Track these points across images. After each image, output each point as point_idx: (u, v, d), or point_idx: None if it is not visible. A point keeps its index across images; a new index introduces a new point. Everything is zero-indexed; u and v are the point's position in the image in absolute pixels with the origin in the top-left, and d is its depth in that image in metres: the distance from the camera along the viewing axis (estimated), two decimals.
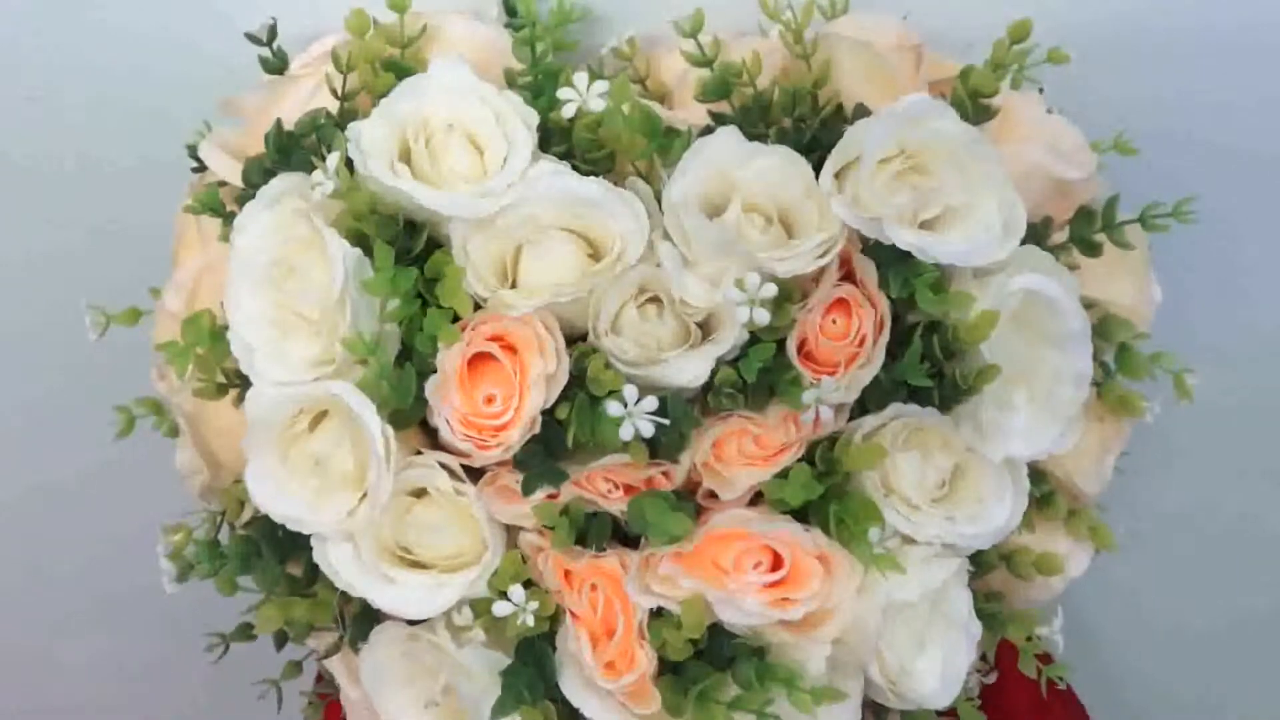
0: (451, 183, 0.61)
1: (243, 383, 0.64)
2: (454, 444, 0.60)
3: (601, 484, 0.61)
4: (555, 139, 0.63)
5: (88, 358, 0.70)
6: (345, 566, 0.62)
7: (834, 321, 0.60)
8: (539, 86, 0.64)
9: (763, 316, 0.58)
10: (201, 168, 0.70)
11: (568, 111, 0.61)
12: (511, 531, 0.64)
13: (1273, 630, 1.06)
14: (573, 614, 0.62)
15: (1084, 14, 0.73)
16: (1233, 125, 0.80)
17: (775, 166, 0.61)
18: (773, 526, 0.61)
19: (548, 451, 0.60)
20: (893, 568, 0.61)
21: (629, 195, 0.60)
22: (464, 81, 0.62)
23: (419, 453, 0.63)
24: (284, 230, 0.61)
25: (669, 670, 0.61)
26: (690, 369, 0.59)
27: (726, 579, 0.60)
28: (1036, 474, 0.67)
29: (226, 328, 0.62)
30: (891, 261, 0.60)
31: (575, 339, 0.61)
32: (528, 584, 0.62)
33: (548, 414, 0.59)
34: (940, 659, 0.64)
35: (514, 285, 0.62)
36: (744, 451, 0.61)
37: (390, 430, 0.59)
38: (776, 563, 0.61)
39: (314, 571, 0.63)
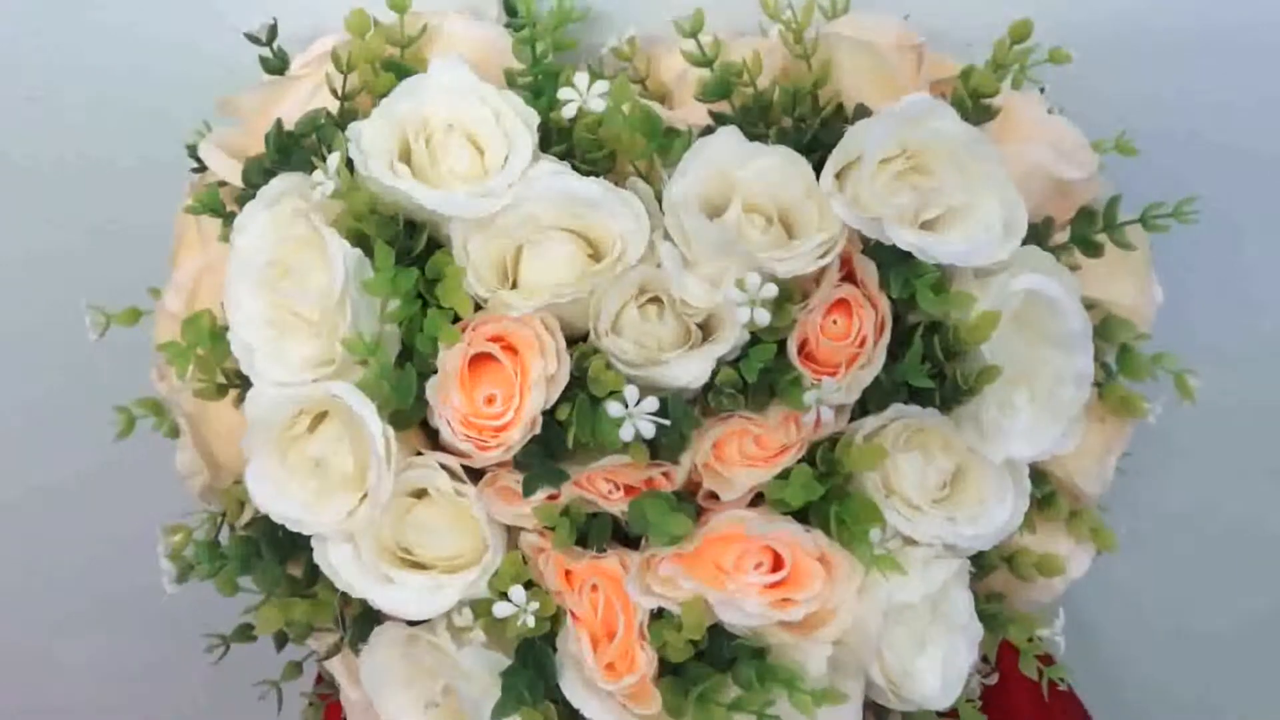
0: (451, 183, 0.61)
1: (243, 383, 0.64)
2: (454, 444, 0.60)
3: (602, 484, 0.61)
4: (555, 139, 0.63)
5: (88, 358, 0.70)
6: (345, 567, 0.62)
7: (835, 322, 0.60)
8: (539, 86, 0.64)
9: (763, 317, 0.57)
10: (201, 168, 0.70)
11: (568, 111, 0.61)
12: (512, 532, 0.64)
13: (1274, 630, 1.06)
14: (573, 615, 0.62)
15: (1084, 13, 0.73)
16: (1233, 125, 0.80)
17: (776, 166, 0.61)
18: (773, 527, 0.61)
19: (548, 452, 0.60)
20: (894, 569, 0.61)
21: (629, 195, 0.60)
22: (464, 81, 0.62)
23: (419, 453, 0.63)
24: (284, 230, 0.61)
25: (669, 671, 0.61)
26: (691, 369, 0.59)
27: (727, 580, 0.60)
28: (1038, 475, 0.67)
29: (226, 328, 0.62)
30: (892, 262, 0.60)
31: (576, 339, 0.61)
32: (528, 585, 0.62)
33: (548, 415, 0.59)
34: (941, 660, 0.64)
35: (514, 286, 0.62)
36: (745, 452, 0.61)
37: (390, 431, 0.59)
38: (777, 564, 0.61)
39: (314, 572, 0.63)
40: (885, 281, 0.60)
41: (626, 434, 0.57)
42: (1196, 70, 0.78)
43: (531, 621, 0.61)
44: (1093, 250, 0.66)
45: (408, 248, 0.61)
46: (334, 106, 0.66)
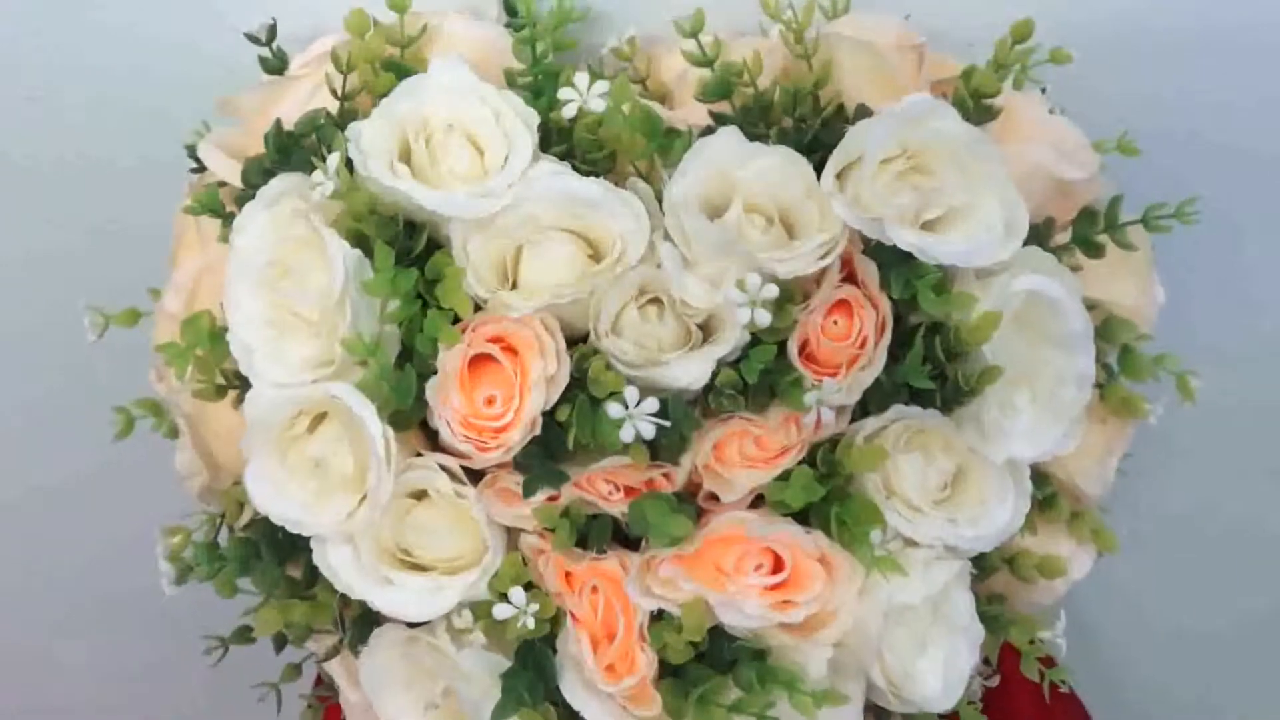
0: (451, 183, 0.60)
1: (242, 384, 0.64)
2: (454, 446, 0.60)
3: (602, 486, 0.61)
4: (555, 139, 0.63)
5: (88, 358, 0.70)
6: (345, 568, 0.62)
7: (835, 323, 0.60)
8: (539, 86, 0.64)
9: (764, 318, 0.57)
10: (200, 168, 0.70)
11: (568, 111, 0.60)
12: (512, 534, 0.64)
13: (1274, 631, 1.05)
14: (573, 616, 0.62)
15: (1084, 13, 0.73)
16: (1233, 125, 0.80)
17: (776, 167, 0.61)
18: (774, 529, 0.61)
19: (548, 453, 0.60)
20: (894, 570, 0.61)
21: (629, 195, 0.60)
22: (464, 81, 0.62)
23: (419, 454, 0.63)
24: (283, 231, 0.61)
25: (670, 673, 0.61)
26: (691, 370, 0.59)
27: (727, 581, 0.60)
28: (1039, 476, 0.67)
29: (226, 329, 0.62)
30: (893, 262, 0.60)
31: (576, 340, 0.61)
32: (528, 586, 0.62)
33: (548, 416, 0.59)
34: (942, 662, 0.64)
35: (514, 286, 0.62)
36: (745, 453, 0.61)
37: (390, 432, 0.59)
38: (778, 565, 0.61)
39: (313, 574, 0.63)
40: (886, 282, 0.60)
41: (627, 435, 0.57)
42: (1196, 70, 0.78)
43: (531, 623, 0.61)
44: (1094, 251, 0.66)
45: (407, 248, 0.61)
46: (334, 106, 0.66)
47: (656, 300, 0.61)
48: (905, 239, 0.58)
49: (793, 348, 0.60)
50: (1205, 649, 1.07)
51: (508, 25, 0.70)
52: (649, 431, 0.57)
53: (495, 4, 0.71)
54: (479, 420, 0.59)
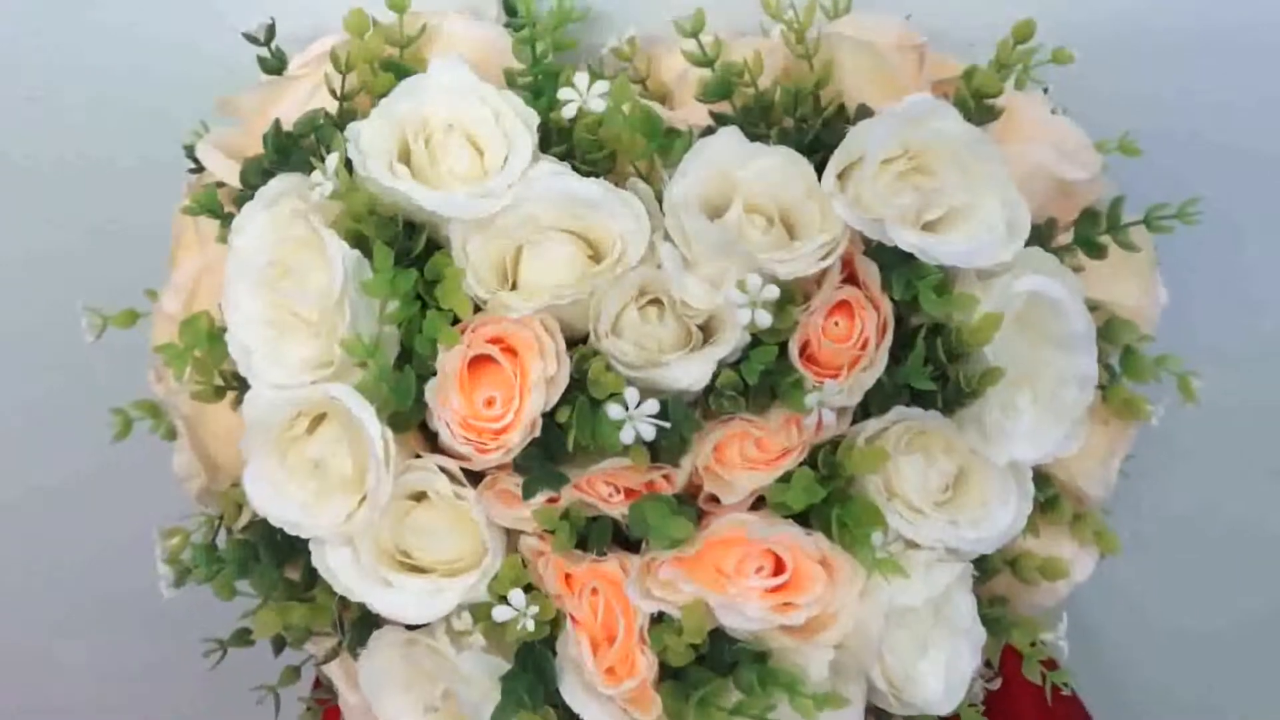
0: (451, 183, 0.60)
1: (241, 385, 0.64)
2: (454, 447, 0.60)
3: (602, 487, 0.61)
4: (555, 139, 0.63)
5: (87, 359, 0.70)
6: (344, 570, 0.62)
7: (836, 324, 0.60)
8: (539, 86, 0.64)
9: (764, 319, 0.57)
10: (199, 168, 0.69)
11: (568, 112, 0.60)
12: (511, 535, 0.64)
13: (1276, 631, 1.05)
14: (573, 619, 0.62)
15: (1084, 13, 0.73)
16: (1234, 125, 0.80)
17: (777, 167, 0.60)
18: (775, 531, 0.60)
19: (548, 455, 0.60)
20: (896, 572, 0.61)
21: (629, 196, 0.60)
22: (464, 81, 0.62)
23: (418, 456, 0.62)
24: (282, 231, 0.61)
25: (670, 676, 0.61)
26: (692, 372, 0.59)
27: (728, 583, 0.60)
28: (1041, 478, 0.66)
29: (224, 330, 0.61)
30: (894, 263, 0.60)
31: (576, 341, 0.60)
32: (528, 588, 0.62)
33: (548, 417, 0.59)
34: (944, 664, 0.64)
35: (514, 287, 0.61)
36: (746, 455, 0.61)
37: (389, 433, 0.59)
38: (778, 567, 0.61)
39: (312, 576, 0.63)
40: (887, 283, 0.60)
41: (627, 436, 0.57)
42: (1197, 70, 0.78)
43: (531, 625, 0.61)
44: (1096, 251, 0.65)
45: (407, 249, 0.61)
46: (333, 107, 0.65)
47: (657, 301, 0.60)
48: (906, 239, 0.58)
49: (793, 349, 0.60)
50: (1207, 649, 1.07)
51: (508, 25, 0.70)
52: (649, 433, 0.57)
53: (495, 4, 0.71)
54: (478, 422, 0.59)
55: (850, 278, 0.61)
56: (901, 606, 0.62)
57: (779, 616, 0.60)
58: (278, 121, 0.65)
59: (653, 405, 0.57)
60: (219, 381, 0.65)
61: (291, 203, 0.61)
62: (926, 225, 0.60)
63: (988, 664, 0.68)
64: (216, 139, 0.68)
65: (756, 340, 0.59)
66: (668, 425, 0.57)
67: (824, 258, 0.59)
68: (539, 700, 0.62)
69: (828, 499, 0.61)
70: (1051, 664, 0.67)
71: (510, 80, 0.65)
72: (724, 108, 0.64)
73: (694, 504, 0.63)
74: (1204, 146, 0.78)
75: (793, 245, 0.60)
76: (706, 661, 0.62)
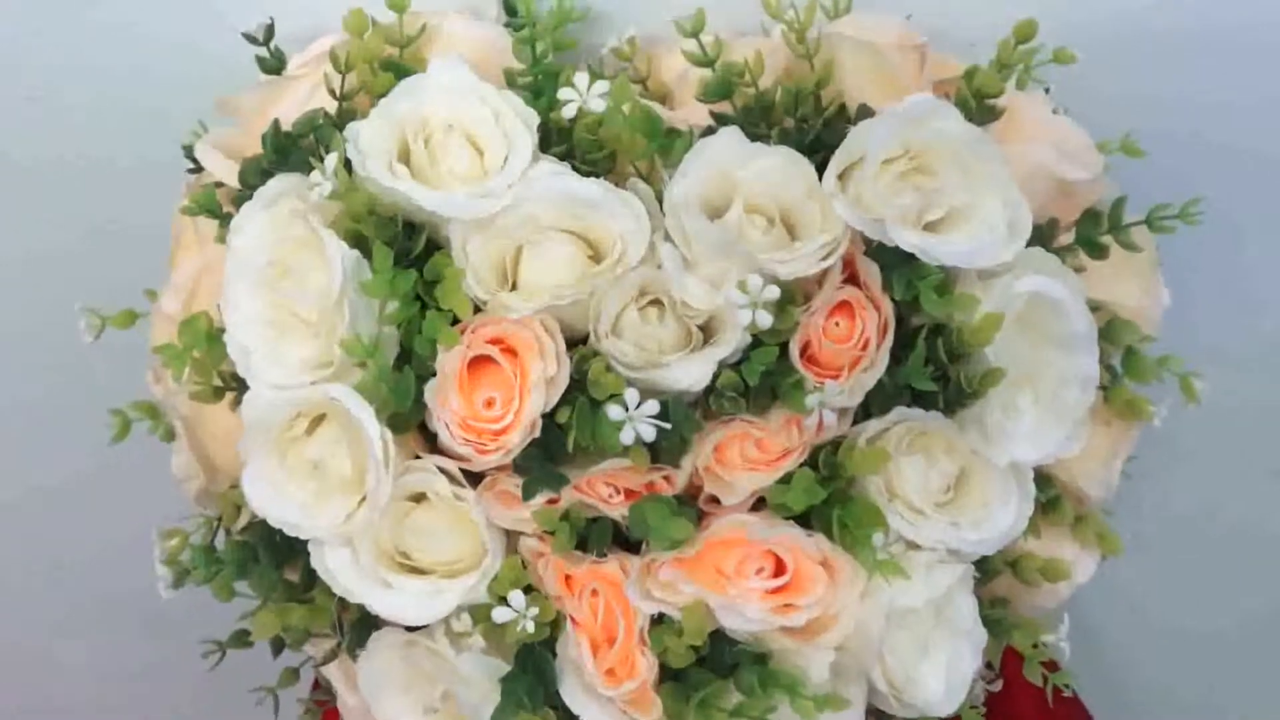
0: (450, 183, 0.60)
1: (240, 386, 0.64)
2: (453, 448, 0.60)
3: (602, 488, 0.61)
4: (555, 139, 0.63)
5: (87, 359, 0.70)
6: (343, 572, 0.62)
7: (837, 324, 0.60)
8: (539, 86, 0.64)
9: (765, 319, 0.57)
10: (198, 168, 0.69)
11: (568, 112, 0.60)
12: (511, 537, 0.64)
13: (1277, 631, 1.05)
14: (573, 620, 0.62)
15: (1085, 13, 0.72)
16: (1234, 125, 0.79)
17: (777, 167, 0.60)
18: (775, 532, 0.60)
19: (548, 456, 0.60)
20: (896, 573, 0.60)
21: (629, 196, 0.60)
22: (463, 81, 0.61)
23: (418, 457, 0.62)
24: (282, 231, 0.61)
25: (670, 677, 0.61)
26: (692, 372, 0.59)
27: (728, 585, 0.60)
28: (1042, 479, 0.66)
29: (223, 330, 0.61)
30: (895, 263, 0.60)
31: (576, 342, 0.60)
32: (528, 589, 0.61)
33: (548, 418, 0.59)
34: (944, 665, 0.64)
35: (514, 287, 0.61)
36: (746, 456, 0.61)
37: (389, 434, 0.59)
38: (779, 568, 0.60)
39: (311, 577, 0.63)
40: (888, 283, 0.60)
41: (627, 437, 0.57)
42: (1197, 70, 0.78)
43: (531, 627, 0.60)
44: (1098, 252, 0.65)
45: (406, 249, 0.61)
46: (332, 107, 0.65)
47: (657, 301, 0.60)
48: (907, 240, 0.58)
49: (794, 349, 0.60)
50: (1208, 650, 1.07)
51: (507, 25, 0.69)
52: (649, 434, 0.57)
53: (495, 4, 0.71)
54: (478, 422, 0.59)
55: (851, 278, 0.61)
56: (902, 608, 0.62)
57: (779, 618, 0.60)
58: (277, 121, 0.65)
59: (653, 406, 0.57)
60: (218, 382, 0.65)
61: (290, 203, 0.61)
62: (927, 225, 0.60)
63: (989, 665, 0.68)
64: (216, 139, 0.68)
65: (757, 341, 0.59)
66: (668, 426, 0.57)
67: (825, 258, 0.59)
68: (539, 702, 0.62)
69: (828, 500, 0.61)
70: (1053, 665, 0.67)
71: (510, 80, 0.65)
72: (724, 108, 0.64)
73: (694, 505, 0.62)
74: (1205, 146, 0.78)
75: (793, 245, 0.60)
76: (707, 663, 0.62)
